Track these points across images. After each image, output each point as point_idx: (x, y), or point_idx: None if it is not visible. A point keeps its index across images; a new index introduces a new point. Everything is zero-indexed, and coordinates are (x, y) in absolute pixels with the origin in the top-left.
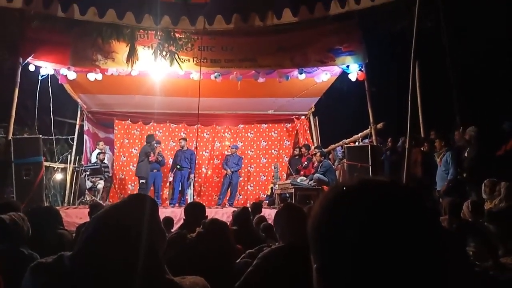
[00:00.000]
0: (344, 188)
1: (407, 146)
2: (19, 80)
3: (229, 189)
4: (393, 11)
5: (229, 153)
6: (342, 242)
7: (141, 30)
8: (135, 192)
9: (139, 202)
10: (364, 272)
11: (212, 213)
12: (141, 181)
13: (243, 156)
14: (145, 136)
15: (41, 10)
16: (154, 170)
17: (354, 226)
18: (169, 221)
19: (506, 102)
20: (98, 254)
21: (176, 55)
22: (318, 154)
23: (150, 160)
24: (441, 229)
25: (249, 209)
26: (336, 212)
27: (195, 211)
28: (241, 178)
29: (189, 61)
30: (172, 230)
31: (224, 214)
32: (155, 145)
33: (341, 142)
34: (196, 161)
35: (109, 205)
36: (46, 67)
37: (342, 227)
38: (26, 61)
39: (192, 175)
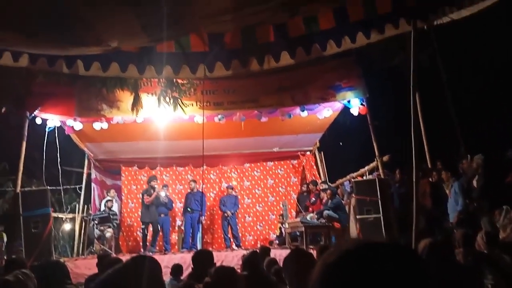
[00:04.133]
0: (341, 253)
1: (414, 178)
2: (26, 133)
3: (230, 231)
4: (389, 46)
5: (226, 194)
6: None
7: (144, 78)
8: (141, 240)
9: (139, 265)
10: None
11: (222, 256)
12: (142, 226)
13: (239, 196)
14: None
15: (46, 68)
16: (162, 215)
17: None
18: (178, 268)
19: (508, 130)
20: None
21: (179, 100)
22: (329, 191)
23: (145, 202)
24: None
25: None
26: (333, 278)
27: (202, 259)
28: (250, 218)
29: (192, 105)
30: (182, 277)
31: (234, 257)
32: (155, 186)
33: (348, 176)
34: (205, 204)
35: (110, 270)
36: (52, 119)
37: None
38: (33, 115)
39: (202, 217)
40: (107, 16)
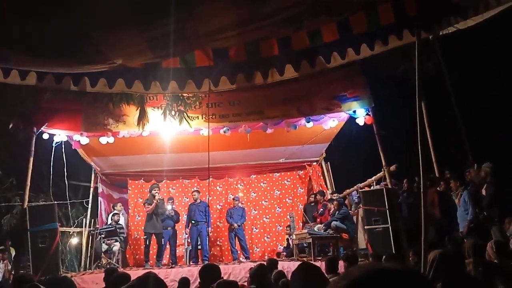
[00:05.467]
0: (351, 280)
1: (422, 187)
2: (33, 149)
3: (238, 243)
4: (394, 55)
5: (232, 206)
6: None
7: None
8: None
9: (144, 285)
10: None
11: (229, 269)
12: (144, 237)
13: (245, 208)
14: None
15: (53, 86)
16: (168, 228)
17: None
18: (185, 281)
19: None
20: None
21: (184, 114)
22: (336, 202)
23: (146, 211)
24: None
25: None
26: None
27: (209, 273)
28: (257, 230)
29: (198, 118)
30: None
31: (242, 270)
32: (155, 194)
33: (355, 187)
34: (211, 215)
35: None
36: (59, 135)
37: None
38: (40, 130)
39: (209, 228)
40: (115, 37)
